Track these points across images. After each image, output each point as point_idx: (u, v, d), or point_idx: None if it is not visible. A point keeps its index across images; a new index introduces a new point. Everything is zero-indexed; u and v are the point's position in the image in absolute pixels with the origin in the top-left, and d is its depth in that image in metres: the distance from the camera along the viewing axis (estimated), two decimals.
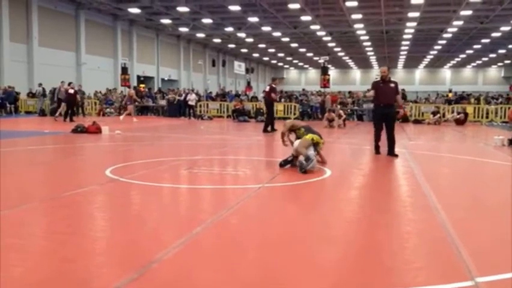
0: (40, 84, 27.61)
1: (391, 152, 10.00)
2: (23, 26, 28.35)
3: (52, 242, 3.97)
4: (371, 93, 10.40)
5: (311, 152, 7.80)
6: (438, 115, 23.70)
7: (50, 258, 3.56)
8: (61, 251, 3.69)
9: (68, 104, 20.98)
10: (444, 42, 46.67)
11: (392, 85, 10.18)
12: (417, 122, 24.09)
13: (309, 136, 8.11)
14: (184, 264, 3.44)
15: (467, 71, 73.57)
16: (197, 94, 30.77)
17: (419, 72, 75.86)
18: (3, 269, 3.23)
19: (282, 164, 7.88)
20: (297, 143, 8.09)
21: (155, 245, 3.85)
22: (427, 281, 3.24)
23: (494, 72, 72.10)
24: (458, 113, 23.59)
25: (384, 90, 10.05)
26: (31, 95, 28.42)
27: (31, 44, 28.72)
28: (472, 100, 28.99)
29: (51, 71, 29.65)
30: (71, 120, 19.92)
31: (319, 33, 41.70)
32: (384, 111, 10.10)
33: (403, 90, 29.76)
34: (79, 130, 14.56)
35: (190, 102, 26.59)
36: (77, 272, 3.27)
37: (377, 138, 10.23)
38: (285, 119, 25.41)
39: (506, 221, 4.85)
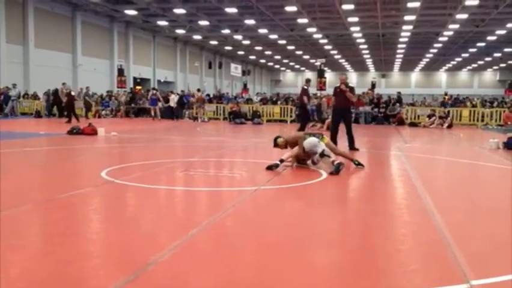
0: (15, 85, 26.92)
1: (352, 147, 11.28)
2: (19, 28, 28.30)
3: (48, 244, 3.97)
4: (333, 98, 11.66)
5: (317, 147, 8.05)
6: (434, 118, 23.79)
7: (46, 260, 3.55)
8: (57, 252, 3.69)
9: (69, 106, 21.37)
10: (440, 45, 46.86)
11: (347, 89, 11.38)
12: (413, 124, 24.15)
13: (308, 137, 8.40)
14: (180, 267, 3.44)
15: (463, 74, 73.89)
16: (192, 96, 30.71)
17: (415, 75, 76.16)
18: (1, 269, 3.22)
19: (270, 168, 7.91)
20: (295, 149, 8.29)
21: (151, 247, 3.85)
22: (422, 284, 3.25)
23: (489, 76, 72.46)
24: (440, 117, 23.62)
25: (341, 95, 11.39)
26: (27, 96, 28.37)
27: (27, 45, 28.67)
28: (468, 104, 29.10)
29: (48, 72, 29.61)
30: (78, 119, 20.26)
31: (315, 36, 41.81)
32: (342, 114, 11.52)
33: (399, 93, 29.93)
34: (75, 132, 14.53)
35: (171, 104, 26.71)
36: (74, 273, 3.27)
37: (333, 137, 11.28)
38: (281, 121, 25.52)
39: (501, 224, 4.87)
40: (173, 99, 27.16)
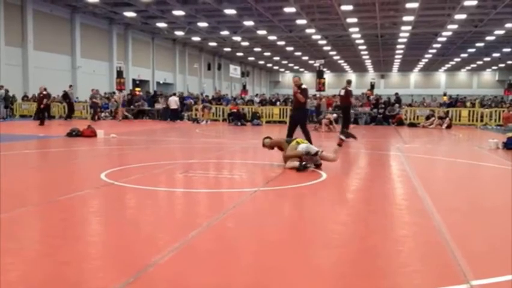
0: (1, 87, 26.44)
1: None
2: (18, 30, 28.27)
3: (48, 246, 3.96)
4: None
5: (306, 148, 8.18)
6: (433, 118, 23.80)
7: (46, 262, 3.55)
8: (57, 254, 3.69)
9: (38, 107, 21.08)
10: (439, 46, 46.87)
11: (298, 91, 11.68)
12: (412, 125, 24.17)
13: (293, 142, 8.57)
14: (180, 268, 3.44)
15: (462, 75, 73.91)
16: (193, 98, 30.77)
17: (414, 76, 76.15)
18: (0, 272, 3.23)
19: (301, 169, 7.95)
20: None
21: (151, 248, 3.85)
22: (423, 284, 3.26)
23: (488, 76, 72.49)
24: (439, 118, 23.63)
25: (294, 96, 11.88)
26: (26, 98, 28.36)
27: (26, 47, 28.63)
28: (468, 104, 29.13)
29: (47, 74, 29.58)
30: (42, 123, 20.01)
31: (314, 37, 41.82)
32: (292, 113, 12.01)
33: (396, 93, 29.95)
34: (74, 134, 14.51)
35: (171, 106, 26.75)
36: (74, 275, 3.27)
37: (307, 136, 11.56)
38: (280, 122, 25.51)
39: (501, 224, 4.88)
40: (175, 101, 27.15)
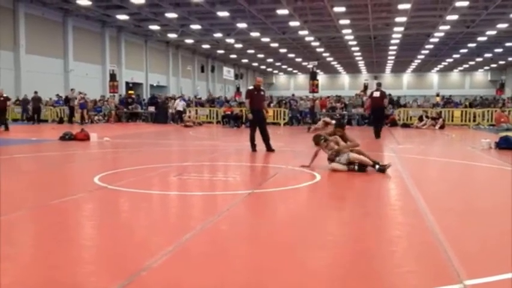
0: None
1: (268, 148, 11.45)
2: (9, 33, 28.13)
3: (41, 250, 3.94)
4: (247, 101, 11.96)
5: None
6: (427, 120, 23.91)
7: (39, 266, 3.53)
8: (50, 259, 3.66)
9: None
10: (431, 46, 47.09)
11: (262, 93, 12.02)
12: (405, 126, 24.26)
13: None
14: (174, 272, 3.43)
15: (455, 75, 74.26)
16: (186, 100, 30.83)
17: (407, 77, 76.40)
18: None
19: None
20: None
21: (145, 252, 3.83)
22: (417, 285, 3.26)
23: (481, 76, 72.85)
24: (433, 118, 23.73)
25: (257, 97, 11.78)
26: (18, 102, 28.22)
27: (18, 51, 28.50)
28: (467, 103, 29.32)
29: (39, 78, 29.46)
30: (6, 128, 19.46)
31: (307, 39, 41.93)
32: (258, 116, 11.70)
33: (389, 95, 30.02)
34: (67, 137, 14.45)
35: (178, 108, 26.85)
36: (66, 280, 3.24)
37: (253, 139, 11.59)
38: (274, 124, 25.53)
39: (494, 224, 4.90)
40: (179, 104, 27.30)
